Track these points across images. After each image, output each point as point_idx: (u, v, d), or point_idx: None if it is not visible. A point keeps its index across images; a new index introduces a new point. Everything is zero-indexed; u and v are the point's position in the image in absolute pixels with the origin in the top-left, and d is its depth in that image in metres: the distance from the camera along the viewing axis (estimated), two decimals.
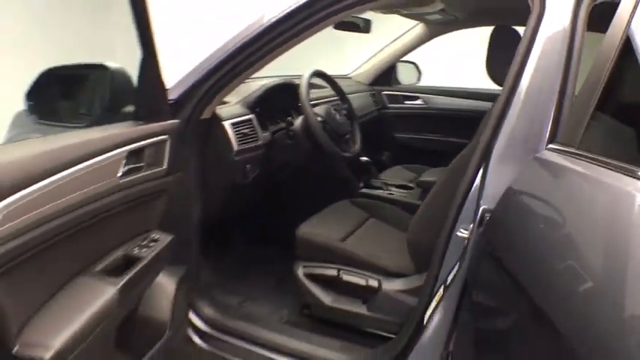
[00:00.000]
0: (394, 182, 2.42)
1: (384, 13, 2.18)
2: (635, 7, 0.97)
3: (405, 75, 3.17)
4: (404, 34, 2.87)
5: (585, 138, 1.05)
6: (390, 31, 2.84)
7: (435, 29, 2.72)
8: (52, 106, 1.27)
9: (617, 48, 0.97)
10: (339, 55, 3.73)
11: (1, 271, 0.79)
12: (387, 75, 3.09)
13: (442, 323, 1.27)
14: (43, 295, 0.91)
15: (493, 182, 1.16)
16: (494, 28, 1.51)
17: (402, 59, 3.07)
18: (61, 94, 1.29)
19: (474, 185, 1.22)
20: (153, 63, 1.26)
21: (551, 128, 1.14)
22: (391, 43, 2.95)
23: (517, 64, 1.19)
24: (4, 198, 0.79)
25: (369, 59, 3.08)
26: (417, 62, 3.16)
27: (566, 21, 1.18)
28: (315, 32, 1.51)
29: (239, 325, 1.63)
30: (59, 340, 0.84)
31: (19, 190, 0.82)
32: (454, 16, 2.34)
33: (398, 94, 3.11)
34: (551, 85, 1.16)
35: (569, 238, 0.82)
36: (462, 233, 1.22)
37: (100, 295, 0.96)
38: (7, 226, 0.79)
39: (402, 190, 2.33)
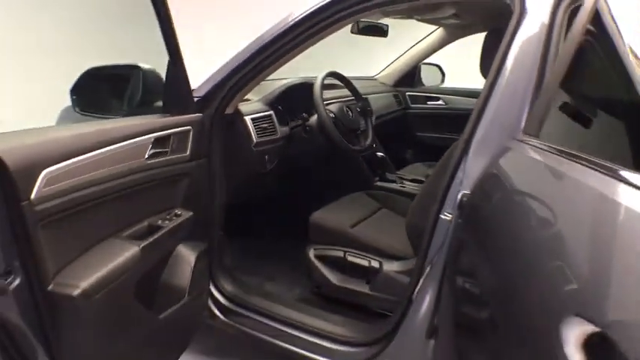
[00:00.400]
0: (409, 177, 2.55)
1: (399, 18, 2.32)
2: (594, 6, 1.08)
3: (428, 77, 3.29)
4: (424, 38, 2.99)
5: (547, 129, 1.16)
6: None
7: (454, 33, 2.84)
8: (93, 100, 1.48)
9: (575, 45, 1.08)
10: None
11: (44, 224, 1.00)
12: (410, 77, 3.22)
13: (428, 300, 1.37)
14: (77, 249, 1.11)
15: (472, 169, 1.28)
16: (488, 32, 1.63)
17: (425, 62, 3.19)
18: (100, 90, 1.51)
19: (458, 172, 1.34)
20: (178, 65, 1.46)
21: (524, 120, 1.26)
22: (412, 46, 3.08)
23: (498, 61, 1.29)
24: (49, 166, 1.00)
25: (393, 62, 3.22)
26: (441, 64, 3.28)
27: (544, 21, 1.28)
28: (326, 36, 1.68)
29: (257, 302, 1.81)
30: (86, 282, 1.04)
31: (61, 161, 1.03)
32: (469, 20, 2.45)
33: (420, 95, 3.24)
34: (527, 80, 1.26)
35: (520, 222, 0.91)
36: (446, 216, 1.35)
37: (124, 253, 1.16)
38: (49, 187, 1.00)
39: (414, 184, 2.46)
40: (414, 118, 3.23)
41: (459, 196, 1.27)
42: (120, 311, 1.18)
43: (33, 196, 0.96)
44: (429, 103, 3.22)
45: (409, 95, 3.25)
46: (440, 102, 3.18)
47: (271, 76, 1.96)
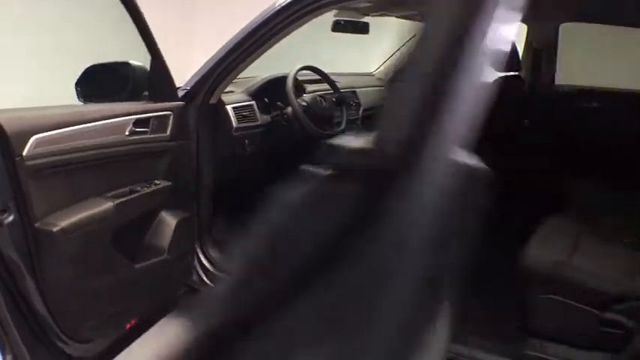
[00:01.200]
0: None
1: (377, 16, 2.53)
2: None
3: None
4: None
5: None
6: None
7: None
8: (93, 91, 1.81)
9: None
10: None
11: (33, 176, 1.31)
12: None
13: None
14: (63, 201, 1.43)
15: None
16: None
17: None
18: (99, 83, 1.83)
19: None
20: (157, 61, 1.79)
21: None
22: (406, 42, 3.28)
23: None
24: (38, 133, 1.33)
25: (389, 58, 3.43)
26: None
27: None
28: (295, 29, 1.93)
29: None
30: (65, 222, 1.36)
31: (48, 130, 1.35)
32: None
33: None
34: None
35: None
36: None
37: (101, 206, 1.48)
38: (38, 149, 1.33)
39: None
40: None
41: None
42: (96, 252, 1.49)
43: (24, 153, 1.29)
44: None
45: None
46: None
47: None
